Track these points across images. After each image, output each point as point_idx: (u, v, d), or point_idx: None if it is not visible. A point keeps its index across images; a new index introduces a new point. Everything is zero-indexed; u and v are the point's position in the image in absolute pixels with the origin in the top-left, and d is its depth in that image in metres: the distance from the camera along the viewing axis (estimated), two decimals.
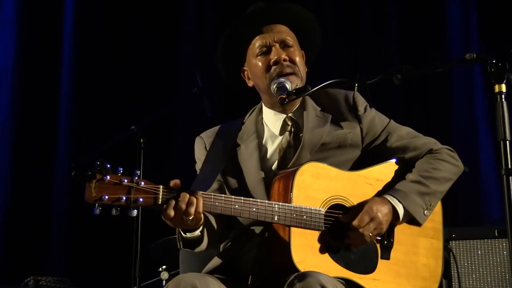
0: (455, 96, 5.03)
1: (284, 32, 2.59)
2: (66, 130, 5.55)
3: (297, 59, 2.56)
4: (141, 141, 3.43)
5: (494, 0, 5.00)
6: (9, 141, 5.51)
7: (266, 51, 2.56)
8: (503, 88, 2.01)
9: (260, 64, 2.56)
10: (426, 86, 5.04)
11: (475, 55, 2.08)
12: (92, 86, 5.55)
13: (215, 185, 2.54)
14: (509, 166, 1.96)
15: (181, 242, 2.39)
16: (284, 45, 2.56)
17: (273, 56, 2.53)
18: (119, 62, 5.51)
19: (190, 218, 2.19)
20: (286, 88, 2.47)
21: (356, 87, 3.14)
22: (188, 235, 2.35)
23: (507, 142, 1.98)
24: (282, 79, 2.50)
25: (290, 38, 2.59)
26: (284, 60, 2.52)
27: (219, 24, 5.44)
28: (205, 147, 2.64)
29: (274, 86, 2.49)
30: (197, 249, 2.41)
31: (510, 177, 1.96)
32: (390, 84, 2.28)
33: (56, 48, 5.67)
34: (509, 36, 4.74)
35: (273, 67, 2.53)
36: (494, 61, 2.01)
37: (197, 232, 2.35)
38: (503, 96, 2.01)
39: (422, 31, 5.14)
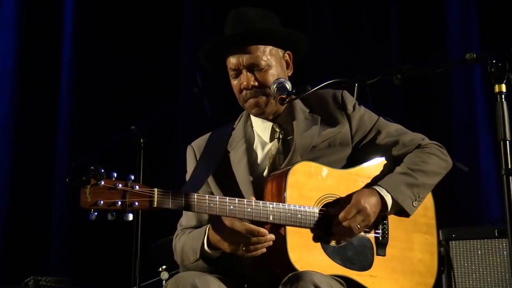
0: (455, 96, 5.03)
1: (254, 53, 2.53)
2: (66, 130, 5.55)
3: (269, 79, 2.52)
4: (141, 141, 3.43)
5: (494, 0, 5.00)
6: (9, 141, 5.50)
7: (236, 74, 2.56)
8: (503, 88, 2.02)
9: (234, 84, 2.59)
10: (426, 86, 5.04)
11: (475, 55, 2.08)
12: (92, 86, 5.55)
13: (204, 191, 2.53)
14: (509, 166, 1.97)
15: (199, 254, 2.39)
16: (254, 68, 2.54)
17: (242, 81, 2.54)
18: (119, 62, 5.50)
19: (243, 250, 2.26)
20: (286, 88, 2.47)
21: (356, 87, 3.16)
22: (209, 250, 2.37)
23: (507, 142, 1.98)
24: (282, 79, 2.50)
25: (263, 56, 2.54)
26: (253, 86, 2.53)
27: (219, 24, 5.43)
28: (195, 158, 2.65)
29: (274, 86, 2.49)
30: (210, 266, 2.42)
31: (510, 177, 1.96)
32: (390, 84, 2.28)
33: (56, 48, 5.67)
34: (509, 36, 4.74)
35: (244, 92, 2.55)
36: (494, 61, 2.02)
37: (218, 252, 2.37)
38: (503, 96, 2.01)
39: (422, 31, 5.14)
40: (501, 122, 1.99)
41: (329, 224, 2.38)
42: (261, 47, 2.55)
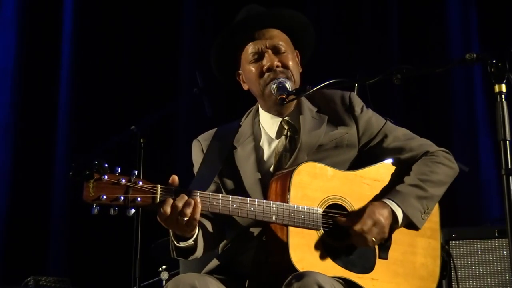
0: (455, 96, 5.03)
1: (277, 37, 2.58)
2: (65, 130, 5.55)
3: (290, 63, 2.56)
4: (141, 141, 3.43)
5: (494, 0, 5.01)
6: (9, 141, 5.51)
7: (258, 57, 2.56)
8: (503, 88, 2.01)
9: (253, 70, 2.57)
10: (426, 86, 5.04)
11: (475, 55, 2.07)
12: (92, 86, 5.55)
13: (212, 187, 2.53)
14: (509, 166, 1.96)
15: (174, 251, 2.37)
16: (277, 51, 2.56)
17: (265, 63, 2.54)
18: (119, 62, 5.51)
19: (185, 219, 2.17)
20: (286, 88, 2.47)
21: (356, 87, 3.16)
22: (182, 244, 2.33)
23: (507, 142, 1.98)
24: (282, 79, 2.50)
25: (283, 42, 2.58)
26: (277, 66, 2.53)
27: (219, 24, 5.44)
28: (202, 150, 2.64)
29: (274, 86, 2.49)
30: (191, 258, 2.40)
31: (510, 177, 1.96)
32: (390, 84, 2.28)
33: (56, 48, 5.67)
34: (509, 36, 4.74)
35: (266, 74, 2.54)
36: (494, 61, 2.01)
37: (190, 242, 2.33)
38: (503, 96, 2.01)
39: (422, 31, 5.14)
40: (501, 122, 1.99)
41: (333, 226, 2.38)
42: (281, 33, 2.59)
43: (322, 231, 2.36)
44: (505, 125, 1.98)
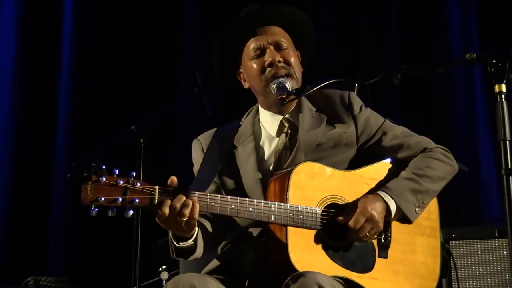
0: (455, 96, 5.04)
1: (278, 34, 2.59)
2: (66, 130, 5.55)
3: (292, 60, 2.57)
4: (141, 141, 3.42)
5: (494, 0, 5.01)
6: (9, 141, 5.51)
7: (260, 53, 2.57)
8: (503, 88, 2.01)
9: (255, 66, 2.57)
10: (426, 86, 5.04)
11: (475, 55, 2.07)
12: (92, 86, 5.55)
13: (212, 187, 2.54)
14: (509, 166, 1.96)
15: (174, 252, 2.37)
16: (278, 47, 2.57)
17: (267, 58, 2.54)
18: (119, 62, 5.51)
19: (184, 219, 2.18)
20: (286, 88, 2.47)
21: (356, 87, 3.16)
22: (181, 244, 2.33)
23: (507, 142, 1.98)
24: (282, 79, 2.50)
25: (284, 39, 2.59)
26: (279, 61, 2.53)
27: (219, 24, 5.44)
28: (202, 150, 2.64)
29: (274, 86, 2.49)
30: (191, 258, 2.40)
31: (510, 177, 1.96)
32: (390, 84, 2.28)
33: (56, 48, 5.67)
34: (509, 36, 4.74)
35: (268, 69, 2.54)
36: (494, 61, 2.01)
37: (190, 242, 2.33)
38: (503, 96, 2.01)
39: (422, 31, 5.14)
40: (501, 122, 1.99)
41: (332, 226, 2.38)
42: (283, 31, 2.61)
43: (321, 231, 2.36)
44: (505, 125, 1.98)
